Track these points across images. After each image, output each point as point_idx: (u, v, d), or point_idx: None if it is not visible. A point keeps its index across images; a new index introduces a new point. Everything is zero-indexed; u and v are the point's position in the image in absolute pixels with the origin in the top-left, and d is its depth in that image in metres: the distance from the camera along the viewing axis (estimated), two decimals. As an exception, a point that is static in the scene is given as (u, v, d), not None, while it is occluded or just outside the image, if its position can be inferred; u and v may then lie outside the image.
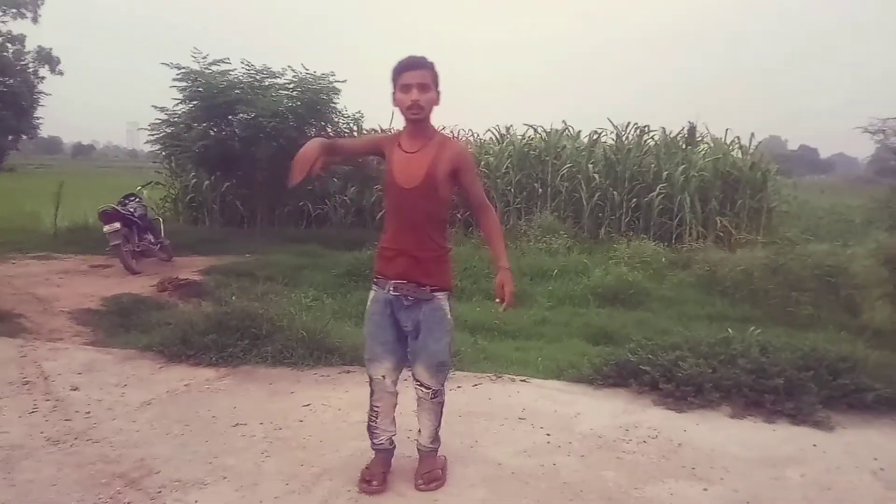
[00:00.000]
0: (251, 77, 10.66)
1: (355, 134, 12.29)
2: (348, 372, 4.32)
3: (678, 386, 3.91)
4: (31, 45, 43.09)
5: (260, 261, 8.49)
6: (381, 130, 11.65)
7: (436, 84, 2.71)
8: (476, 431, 3.49)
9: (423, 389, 2.84)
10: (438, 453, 3.01)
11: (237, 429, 3.48)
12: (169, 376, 4.27)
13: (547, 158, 12.06)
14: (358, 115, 12.28)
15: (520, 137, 12.90)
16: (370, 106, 11.75)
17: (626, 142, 12.16)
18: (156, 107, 10.88)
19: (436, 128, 2.81)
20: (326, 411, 3.74)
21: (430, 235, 2.75)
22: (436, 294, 2.76)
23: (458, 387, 4.12)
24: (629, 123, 12.45)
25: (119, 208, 8.27)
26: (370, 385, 2.91)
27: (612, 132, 12.49)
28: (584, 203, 11.50)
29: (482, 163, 12.32)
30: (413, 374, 2.85)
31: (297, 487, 2.87)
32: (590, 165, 11.74)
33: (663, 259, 8.69)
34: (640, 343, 4.46)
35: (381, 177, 2.83)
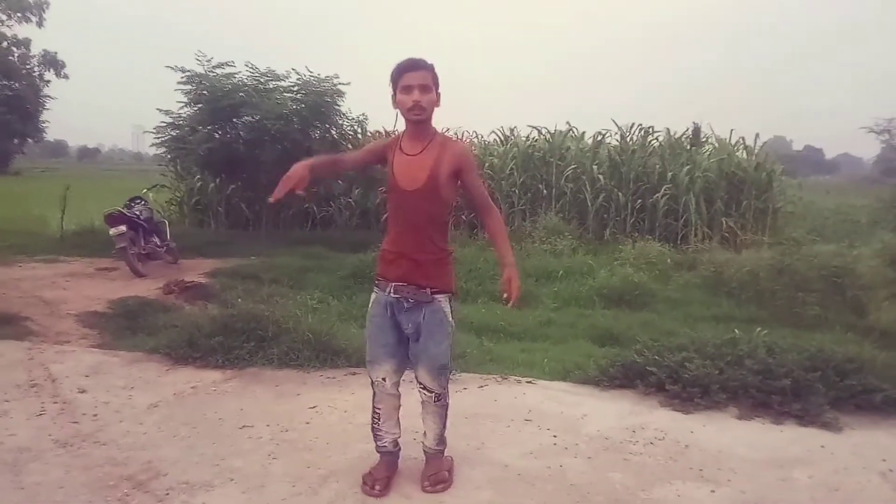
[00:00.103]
0: (255, 80, 10.68)
1: (359, 136, 12.32)
2: (354, 374, 4.33)
3: (685, 387, 3.91)
4: (36, 49, 43.32)
5: (265, 263, 8.51)
6: (385, 132, 11.66)
7: (436, 85, 2.71)
8: (482, 433, 3.49)
9: (426, 393, 2.84)
10: (445, 454, 3.01)
11: (244, 431, 3.48)
12: (176, 379, 4.28)
13: (551, 160, 12.05)
14: (362, 118, 12.30)
15: (524, 139, 12.90)
16: (374, 108, 11.77)
17: (630, 143, 12.14)
18: (161, 110, 10.92)
19: (436, 129, 2.81)
20: (333, 413, 3.75)
21: (431, 238, 2.75)
22: (436, 296, 2.75)
23: (464, 388, 4.12)
24: (633, 124, 12.43)
25: (125, 211, 8.29)
26: (372, 387, 2.91)
27: (616, 133, 12.48)
28: (589, 204, 11.48)
29: (486, 164, 12.32)
30: (416, 377, 2.85)
31: (304, 489, 2.87)
32: (594, 166, 11.72)
33: (669, 260, 8.68)
34: (646, 344, 4.45)
35: (385, 179, 2.83)
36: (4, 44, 40.87)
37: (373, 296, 2.87)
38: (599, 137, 12.57)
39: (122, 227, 7.93)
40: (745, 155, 12.02)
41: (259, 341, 4.67)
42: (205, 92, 10.31)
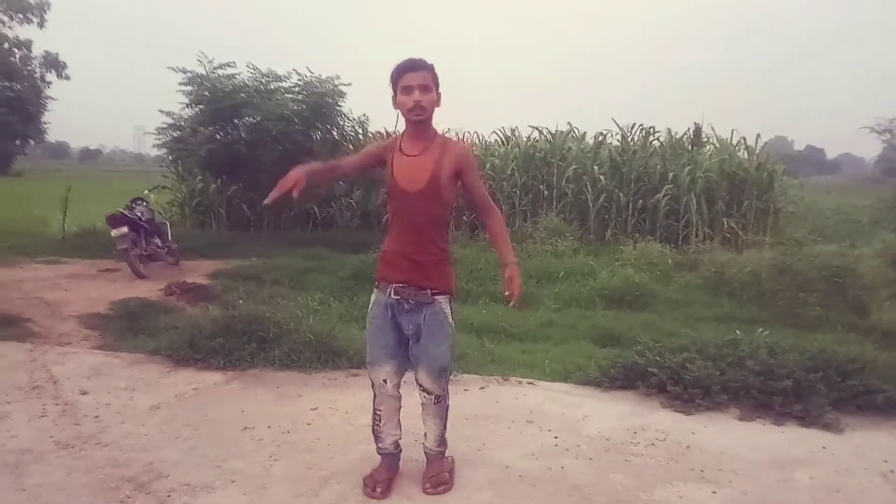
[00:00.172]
0: (257, 81, 10.69)
1: (360, 137, 12.33)
2: (355, 375, 4.33)
3: (686, 388, 3.90)
4: (37, 50, 43.37)
5: (266, 264, 8.51)
6: (387, 133, 11.67)
7: (436, 85, 2.70)
8: (483, 434, 3.49)
9: (427, 395, 2.84)
10: (446, 455, 3.01)
11: (245, 432, 3.48)
12: (177, 380, 4.28)
13: (552, 160, 12.05)
14: (363, 118, 12.31)
15: (525, 139, 12.90)
16: (375, 108, 11.77)
17: (631, 143, 12.14)
18: (162, 111, 10.93)
19: (437, 130, 2.81)
20: (334, 415, 3.75)
21: (432, 239, 2.75)
22: (437, 298, 2.75)
23: (465, 389, 4.12)
24: (634, 124, 12.43)
25: (126, 212, 8.30)
26: (372, 389, 2.91)
27: (617, 133, 12.48)
28: (590, 205, 11.48)
29: (487, 165, 12.33)
30: (416, 379, 2.84)
31: (305, 491, 2.87)
32: (595, 167, 11.72)
33: (670, 261, 8.68)
34: (647, 345, 4.45)
35: (385, 180, 2.82)
36: (6, 45, 40.93)
37: (373, 297, 2.87)
38: (600, 138, 12.57)
39: (124, 229, 7.94)
40: (746, 155, 12.01)
41: (260, 343, 4.67)
42: (206, 93, 10.32)
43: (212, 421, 3.63)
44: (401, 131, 2.90)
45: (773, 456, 3.29)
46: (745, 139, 12.23)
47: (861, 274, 6.44)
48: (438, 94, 2.72)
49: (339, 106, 11.23)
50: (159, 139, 10.97)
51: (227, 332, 4.72)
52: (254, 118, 10.22)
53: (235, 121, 10.59)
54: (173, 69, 10.45)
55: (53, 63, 43.70)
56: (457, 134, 13.69)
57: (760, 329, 4.72)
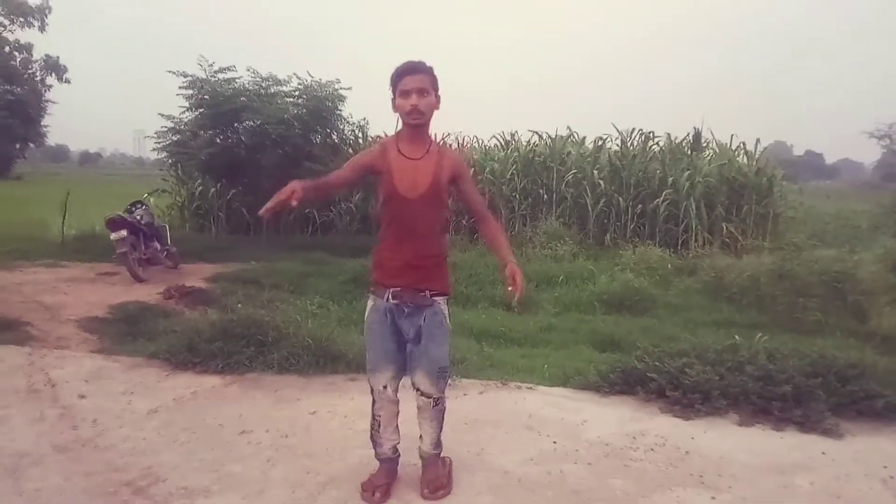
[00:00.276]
0: (257, 85, 10.70)
1: (360, 141, 12.34)
2: (354, 379, 4.32)
3: (685, 393, 3.90)
4: (38, 54, 43.43)
5: (266, 268, 8.51)
6: (387, 137, 11.67)
7: (435, 88, 2.70)
8: (482, 439, 3.48)
9: (425, 399, 2.82)
10: (443, 456, 3.00)
11: (243, 436, 3.48)
12: (175, 384, 4.28)
13: (552, 165, 12.07)
14: (363, 122, 12.33)
15: (525, 144, 12.93)
16: (375, 112, 11.79)
17: (631, 148, 12.16)
18: (162, 115, 10.93)
19: (431, 137, 2.82)
20: (333, 419, 3.74)
21: (431, 244, 2.76)
22: (435, 299, 2.76)
23: (465, 394, 4.12)
24: (634, 129, 12.47)
25: (126, 216, 8.30)
26: (372, 395, 2.90)
27: (616, 138, 12.51)
28: (590, 209, 11.49)
29: (487, 169, 12.35)
30: (413, 383, 2.82)
31: (304, 496, 2.87)
32: (595, 171, 11.74)
33: (669, 265, 8.68)
34: (646, 350, 4.44)
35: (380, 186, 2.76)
36: (6, 48, 41.00)
37: (370, 303, 2.85)
38: (600, 142, 12.60)
39: (123, 232, 7.93)
40: (745, 160, 12.03)
41: (259, 346, 4.66)
42: (206, 97, 10.33)
43: (210, 425, 3.62)
44: (389, 135, 2.89)
45: (773, 461, 3.28)
46: (744, 144, 12.26)
47: (860, 279, 6.44)
48: (438, 98, 2.72)
49: (340, 110, 11.25)
50: (159, 143, 10.97)
51: (226, 336, 4.72)
52: (254, 122, 10.23)
53: (235, 124, 10.60)
54: (174, 73, 10.47)
55: (54, 67, 43.78)
56: (456, 138, 13.75)
57: (760, 334, 4.72)
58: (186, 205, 13.24)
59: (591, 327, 6.16)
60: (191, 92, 10.45)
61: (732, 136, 12.41)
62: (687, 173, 11.42)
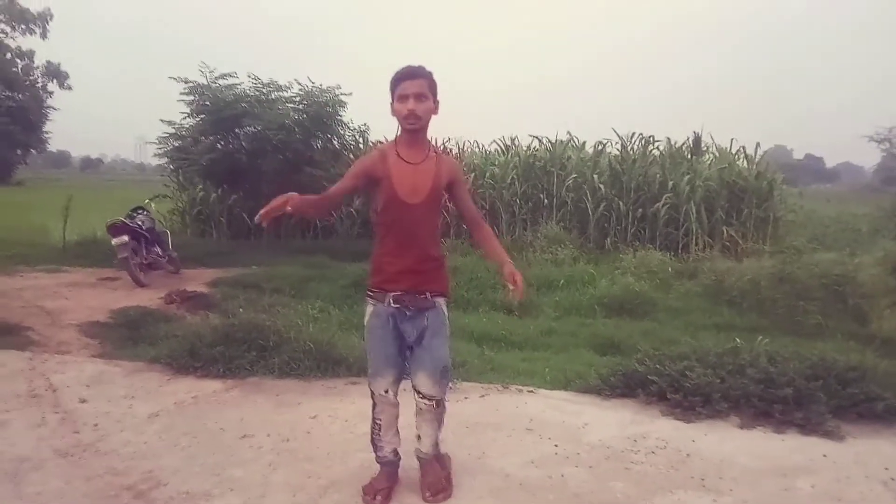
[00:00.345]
0: (258, 90, 10.73)
1: (361, 146, 12.35)
2: (355, 383, 4.33)
3: (686, 396, 3.90)
4: (39, 60, 43.59)
5: (267, 273, 8.51)
6: (387, 142, 11.68)
7: (434, 93, 2.70)
8: (483, 442, 3.48)
9: (427, 401, 2.81)
10: (443, 452, 3.00)
11: (244, 441, 3.48)
12: (177, 388, 4.28)
13: (552, 169, 12.08)
14: (364, 128, 12.35)
15: (525, 148, 12.93)
16: (376, 117, 11.81)
17: (631, 152, 12.16)
18: (163, 120, 10.97)
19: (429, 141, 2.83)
20: (334, 423, 3.74)
21: (431, 248, 2.78)
22: (436, 299, 2.78)
23: (466, 397, 4.12)
24: (634, 133, 12.47)
25: (127, 221, 8.31)
26: (372, 399, 2.90)
27: (616, 142, 12.51)
28: (590, 213, 11.49)
29: (487, 174, 12.36)
30: (415, 386, 2.82)
31: (305, 500, 2.87)
32: (595, 176, 11.74)
33: (670, 269, 8.68)
34: (647, 353, 4.44)
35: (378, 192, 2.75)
36: (8, 55, 41.15)
37: (370, 308, 2.84)
38: (600, 147, 12.60)
39: (125, 237, 7.95)
40: (745, 164, 12.02)
41: (260, 351, 4.67)
42: (207, 102, 10.36)
43: (211, 429, 3.62)
44: (389, 140, 2.90)
45: (774, 464, 3.28)
46: (744, 148, 12.26)
47: (861, 282, 6.44)
48: (436, 103, 2.72)
49: (340, 115, 11.27)
50: (160, 148, 11.00)
51: (227, 341, 4.72)
52: (255, 127, 10.25)
53: (236, 130, 10.62)
54: (175, 79, 10.50)
55: (55, 73, 43.93)
56: (457, 143, 13.76)
57: (760, 337, 4.72)
58: (187, 210, 13.25)
59: (592, 331, 6.16)
60: (192, 98, 10.47)
61: (732, 140, 12.43)
62: (687, 177, 11.42)
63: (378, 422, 2.89)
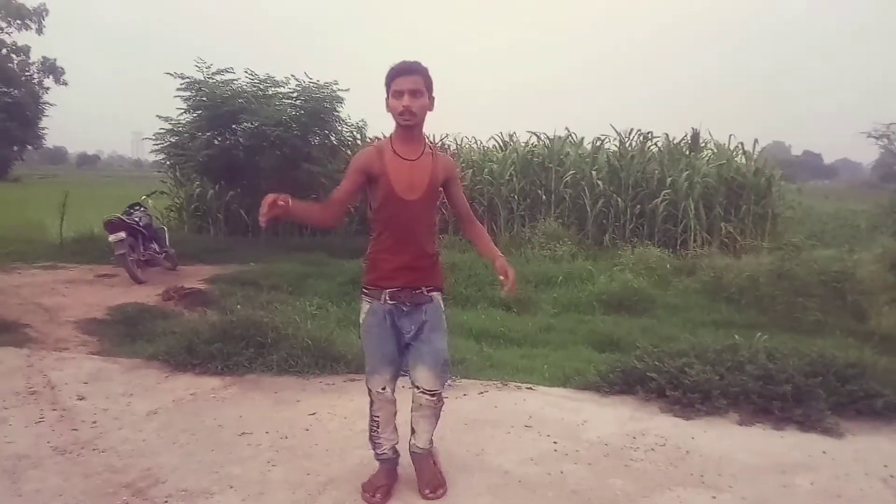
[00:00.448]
0: (255, 86, 10.70)
1: (358, 142, 12.33)
2: (353, 380, 4.32)
3: (685, 393, 3.90)
4: (35, 56, 43.45)
5: (265, 269, 8.50)
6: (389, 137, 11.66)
7: (429, 89, 2.68)
8: (482, 439, 3.48)
9: (427, 397, 2.79)
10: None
11: (243, 438, 3.47)
12: (175, 385, 4.27)
13: (550, 165, 12.07)
14: (361, 124, 12.33)
15: (523, 145, 12.92)
16: (373, 114, 11.80)
17: (629, 148, 12.16)
18: (160, 116, 10.93)
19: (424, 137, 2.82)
20: (332, 420, 3.73)
21: (427, 244, 2.77)
22: (432, 294, 2.78)
23: (464, 394, 4.11)
24: (632, 130, 12.46)
25: (124, 218, 8.29)
26: (370, 396, 2.89)
27: (615, 139, 12.50)
28: (588, 210, 11.49)
29: (486, 170, 12.34)
30: (414, 382, 2.80)
31: (303, 496, 2.86)
32: (593, 172, 11.74)
33: (668, 265, 8.68)
34: (646, 350, 4.44)
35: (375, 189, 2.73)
36: (4, 51, 41.01)
37: (365, 306, 2.82)
38: (598, 143, 12.59)
39: (122, 234, 7.93)
40: (744, 160, 12.02)
41: (258, 348, 4.66)
42: (204, 98, 10.33)
43: (209, 426, 3.62)
44: (381, 136, 2.90)
45: (773, 461, 3.28)
46: (742, 144, 12.26)
47: (859, 279, 6.45)
48: (431, 99, 2.70)
49: (338, 111, 11.25)
50: (157, 144, 10.97)
51: (225, 338, 4.71)
52: (252, 124, 10.22)
53: (233, 126, 10.59)
54: (171, 75, 10.47)
55: (51, 69, 43.78)
56: (455, 139, 13.74)
57: (759, 334, 4.72)
58: (185, 206, 13.23)
59: (591, 327, 6.16)
60: (189, 94, 10.44)
61: (731, 136, 12.43)
62: (685, 173, 11.42)
63: (376, 419, 2.88)
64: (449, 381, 4.14)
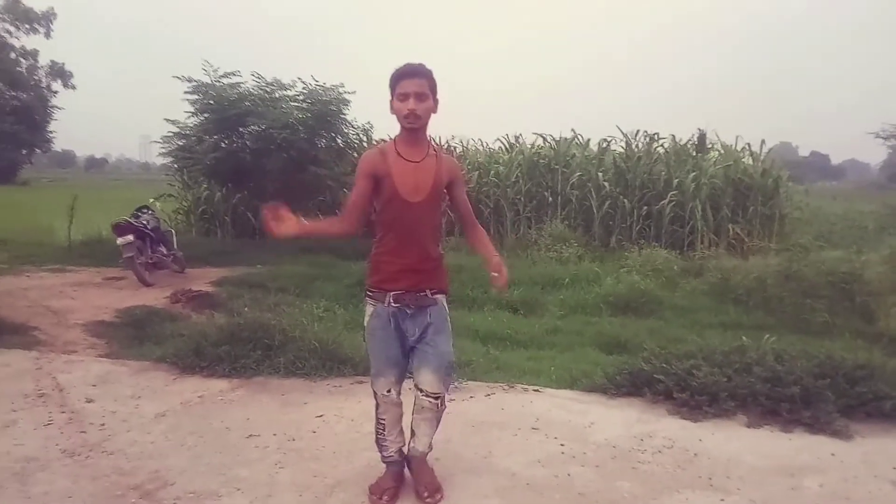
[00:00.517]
0: (261, 89, 10.74)
1: (364, 144, 12.35)
2: (361, 382, 4.32)
3: (693, 395, 3.88)
4: (43, 60, 43.69)
5: (272, 272, 8.52)
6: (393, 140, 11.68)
7: (433, 92, 2.68)
8: (489, 441, 3.47)
9: (431, 399, 2.78)
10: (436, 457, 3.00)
11: (251, 440, 3.48)
12: (183, 388, 4.28)
13: (556, 167, 12.06)
14: (367, 126, 12.35)
15: (529, 146, 12.92)
16: (379, 116, 11.78)
17: (635, 150, 12.14)
18: (168, 120, 10.99)
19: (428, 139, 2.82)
20: (339, 422, 3.74)
21: (431, 246, 2.76)
22: (437, 296, 2.77)
23: (471, 396, 4.11)
24: (638, 131, 12.44)
25: (132, 221, 8.33)
26: (375, 399, 2.89)
27: (621, 140, 12.49)
28: (595, 211, 11.48)
29: (492, 172, 12.34)
30: (417, 384, 2.79)
31: (311, 499, 2.87)
32: (600, 174, 11.72)
33: (675, 267, 8.65)
34: (653, 352, 4.42)
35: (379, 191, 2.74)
36: (12, 55, 41.25)
37: (369, 309, 2.82)
38: (604, 144, 12.58)
39: (130, 237, 7.96)
40: (751, 161, 11.99)
41: (266, 350, 4.67)
42: (211, 101, 10.37)
43: (217, 429, 3.63)
44: (386, 138, 2.90)
45: (782, 463, 3.26)
46: (749, 145, 12.23)
47: (868, 280, 6.41)
48: (436, 101, 2.70)
49: (344, 114, 11.27)
50: (165, 148, 11.03)
51: (233, 340, 4.73)
52: (258, 126, 10.26)
53: (240, 129, 10.63)
54: (179, 78, 10.51)
55: (59, 73, 44.00)
56: (461, 141, 13.74)
57: (767, 335, 4.69)
58: (192, 209, 13.28)
59: (598, 329, 6.14)
60: (196, 97, 10.49)
61: (737, 137, 12.42)
62: (692, 175, 11.39)
63: (382, 422, 2.88)
64: (455, 384, 4.15)
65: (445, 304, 2.83)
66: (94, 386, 4.27)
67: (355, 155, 11.67)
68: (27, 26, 41.02)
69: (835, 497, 2.94)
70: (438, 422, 2.90)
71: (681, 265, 8.87)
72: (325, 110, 10.76)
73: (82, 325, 5.91)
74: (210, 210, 13.06)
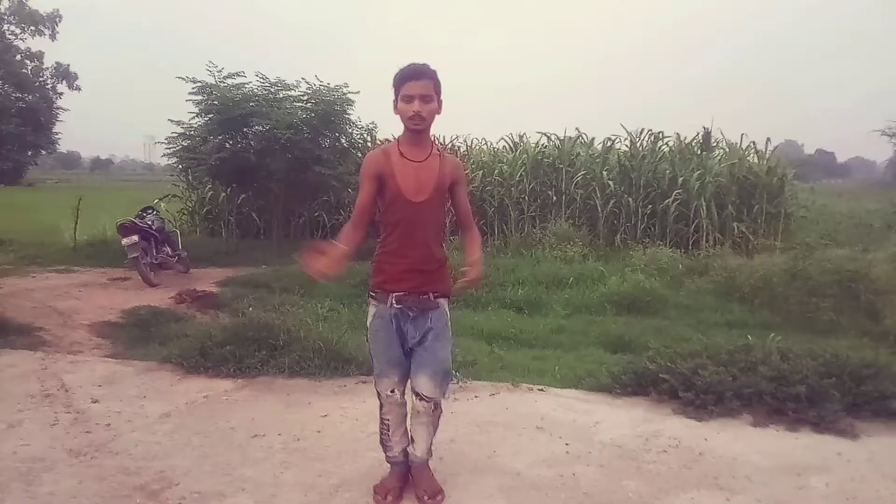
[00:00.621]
0: (265, 90, 10.74)
1: (369, 144, 12.35)
2: (365, 382, 4.32)
3: (698, 394, 3.87)
4: (49, 62, 43.77)
5: (276, 272, 8.53)
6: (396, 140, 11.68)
7: (438, 93, 2.67)
8: (494, 441, 3.47)
9: (425, 403, 2.76)
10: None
11: (255, 440, 3.48)
12: (188, 388, 4.29)
13: (561, 166, 12.05)
14: (371, 126, 12.34)
15: (533, 145, 12.90)
16: (383, 116, 11.81)
17: (640, 148, 12.11)
18: (172, 120, 11.00)
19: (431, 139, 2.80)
20: (344, 422, 3.74)
21: (435, 248, 2.75)
22: (439, 301, 2.76)
23: (476, 396, 4.11)
24: (643, 129, 12.42)
25: (137, 221, 8.36)
26: (379, 399, 2.88)
27: (625, 139, 12.46)
28: (599, 210, 11.46)
29: (496, 171, 12.33)
30: (414, 388, 2.77)
31: (316, 499, 2.87)
32: (604, 172, 11.71)
33: (680, 266, 8.63)
34: (658, 351, 4.41)
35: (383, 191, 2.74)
36: (18, 57, 41.35)
37: (372, 310, 2.81)
38: (609, 143, 12.55)
39: (135, 238, 7.99)
40: (756, 159, 11.95)
41: (270, 350, 4.67)
42: (215, 102, 10.37)
43: (222, 428, 3.63)
44: (391, 138, 2.89)
45: (788, 462, 3.25)
46: (754, 143, 12.18)
47: (874, 278, 6.38)
48: (440, 102, 2.68)
49: (348, 114, 11.26)
50: (169, 148, 11.03)
51: (238, 340, 4.73)
52: (263, 127, 10.26)
53: (245, 129, 10.63)
54: (183, 79, 10.52)
55: (65, 74, 44.08)
56: (465, 141, 13.73)
57: (773, 334, 4.68)
58: (197, 210, 13.32)
59: (602, 328, 6.14)
60: (200, 97, 10.49)
61: (743, 135, 12.35)
62: (697, 173, 11.36)
63: (386, 422, 2.88)
64: (459, 384, 4.15)
65: (447, 309, 2.81)
66: (99, 386, 4.28)
67: (359, 155, 11.67)
68: (32, 28, 41.11)
69: (841, 496, 2.93)
70: (436, 427, 2.88)
71: (686, 264, 8.85)
72: (329, 110, 10.75)
73: (87, 325, 5.93)
74: (214, 210, 13.10)
